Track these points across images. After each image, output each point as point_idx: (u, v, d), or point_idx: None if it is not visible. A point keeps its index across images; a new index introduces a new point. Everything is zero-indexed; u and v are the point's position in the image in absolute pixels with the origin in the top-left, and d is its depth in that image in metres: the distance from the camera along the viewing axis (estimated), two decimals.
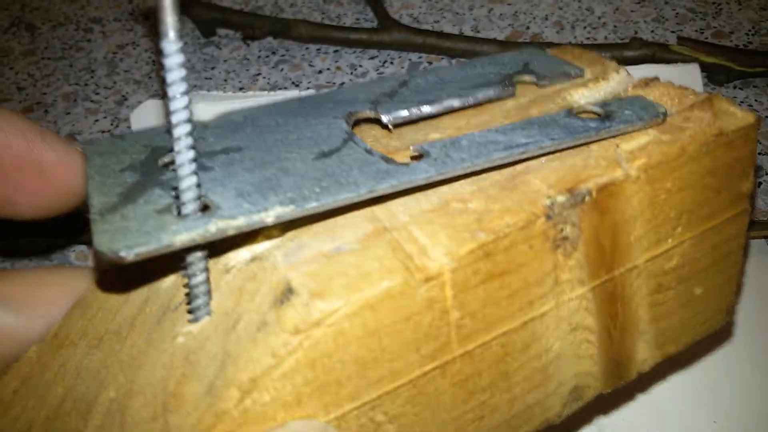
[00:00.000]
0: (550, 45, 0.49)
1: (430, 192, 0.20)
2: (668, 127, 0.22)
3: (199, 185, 0.17)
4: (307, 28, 0.52)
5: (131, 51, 0.54)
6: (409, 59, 0.52)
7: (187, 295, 0.18)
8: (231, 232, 0.16)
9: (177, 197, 0.17)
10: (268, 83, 0.51)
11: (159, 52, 0.16)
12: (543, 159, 0.21)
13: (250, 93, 0.45)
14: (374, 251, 0.18)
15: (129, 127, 0.48)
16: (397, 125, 0.22)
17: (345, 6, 0.57)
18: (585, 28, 0.54)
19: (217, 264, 0.19)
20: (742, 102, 0.48)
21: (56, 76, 0.53)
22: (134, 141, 0.21)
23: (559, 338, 0.21)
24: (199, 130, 0.21)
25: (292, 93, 0.45)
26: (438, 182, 0.20)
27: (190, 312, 0.18)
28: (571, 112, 0.22)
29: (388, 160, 0.19)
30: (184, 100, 0.16)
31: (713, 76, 0.48)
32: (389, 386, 0.19)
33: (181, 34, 0.15)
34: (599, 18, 0.54)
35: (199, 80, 0.51)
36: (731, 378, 0.34)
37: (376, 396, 0.18)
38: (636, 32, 0.53)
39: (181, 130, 0.16)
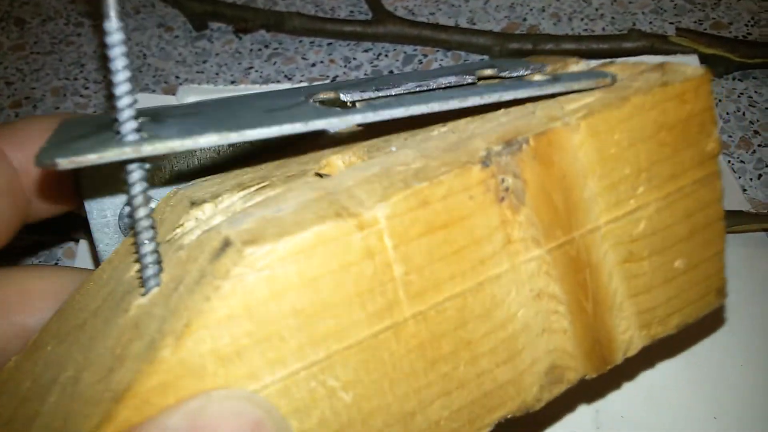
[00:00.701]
0: (547, 37, 0.49)
1: (376, 163, 0.20)
2: (616, 87, 0.22)
3: (134, 105, 0.18)
4: (300, 21, 0.51)
5: None
6: (404, 52, 0.51)
7: (138, 270, 0.19)
8: (163, 151, 0.17)
9: (118, 126, 0.18)
10: (261, 77, 0.50)
11: (102, 32, 0.17)
12: (488, 125, 0.21)
13: (242, 86, 0.44)
14: (312, 207, 0.18)
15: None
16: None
17: None
18: (582, 19, 0.53)
19: (173, 246, 0.19)
20: (741, 94, 0.47)
21: (45, 71, 0.52)
22: (108, 116, 0.22)
23: (522, 305, 0.21)
24: (167, 108, 0.22)
25: (285, 86, 0.44)
26: (379, 129, 0.21)
27: (141, 286, 0.19)
28: (519, 78, 0.23)
29: (331, 107, 0.20)
30: (128, 85, 0.18)
31: (712, 67, 0.47)
32: (337, 345, 0.18)
33: (123, 15, 0.18)
34: (597, 9, 0.53)
35: (190, 74, 0.51)
36: (727, 368, 0.34)
37: (324, 356, 0.18)
38: (634, 23, 0.52)
39: (117, 51, 0.17)
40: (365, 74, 0.50)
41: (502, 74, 0.24)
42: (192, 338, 0.16)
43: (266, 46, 0.52)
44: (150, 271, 0.18)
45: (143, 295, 0.18)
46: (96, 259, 0.25)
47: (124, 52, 0.17)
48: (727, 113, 0.46)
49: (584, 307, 0.22)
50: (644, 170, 0.22)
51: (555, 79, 0.22)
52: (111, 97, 0.18)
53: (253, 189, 0.21)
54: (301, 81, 0.49)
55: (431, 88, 0.23)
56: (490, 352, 0.20)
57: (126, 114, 0.17)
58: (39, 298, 0.23)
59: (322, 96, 0.22)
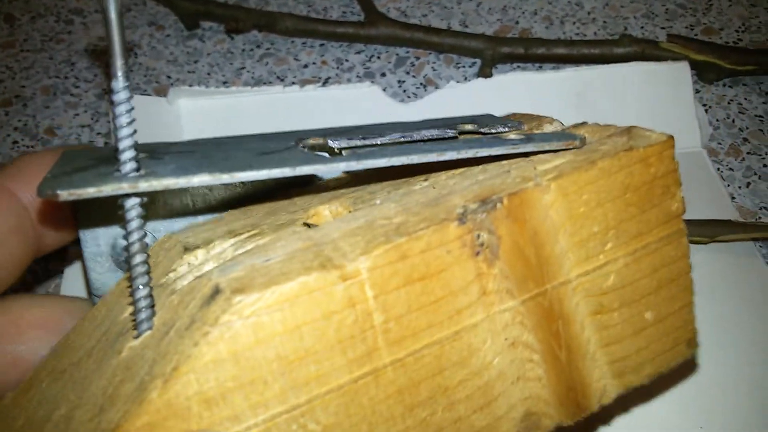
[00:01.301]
0: (539, 41, 0.49)
1: (360, 216, 0.21)
2: (585, 150, 0.23)
3: (136, 148, 0.18)
4: (292, 22, 0.51)
5: None
6: (397, 54, 0.51)
7: (132, 313, 0.19)
8: (158, 188, 0.18)
9: (118, 164, 0.19)
10: (253, 77, 0.50)
11: (109, 90, 0.19)
12: (466, 182, 0.22)
13: (234, 89, 0.44)
14: (299, 258, 0.19)
15: (109, 122, 0.48)
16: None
17: None
18: (574, 23, 0.53)
19: (166, 290, 0.20)
20: (731, 101, 0.47)
21: (35, 69, 0.52)
22: (108, 149, 0.23)
23: (498, 354, 0.21)
24: (164, 146, 0.23)
25: (277, 89, 0.44)
26: (365, 178, 0.23)
27: (134, 328, 0.19)
28: (496, 136, 0.24)
29: (318, 154, 0.21)
30: (131, 129, 0.18)
31: (703, 74, 0.48)
32: (318, 390, 0.19)
33: (130, 76, 0.19)
34: (588, 13, 0.54)
35: (182, 74, 0.50)
36: (715, 377, 0.34)
37: (306, 400, 0.19)
38: (625, 28, 0.52)
39: (122, 108, 0.18)
40: (357, 76, 0.50)
41: (482, 130, 0.26)
42: (179, 381, 0.17)
43: (258, 47, 0.52)
44: (143, 314, 0.19)
45: (136, 337, 0.19)
46: (88, 288, 0.25)
47: (128, 109, 0.18)
48: (717, 120, 0.46)
49: (558, 355, 0.23)
50: (612, 228, 0.23)
51: (528, 138, 0.23)
52: (115, 139, 0.19)
53: (243, 236, 0.21)
54: (293, 82, 0.49)
55: (414, 139, 0.24)
56: (466, 398, 0.21)
57: (126, 154, 0.18)
58: (32, 328, 0.23)
59: (312, 142, 0.23)
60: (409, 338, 0.20)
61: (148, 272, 0.19)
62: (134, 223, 0.19)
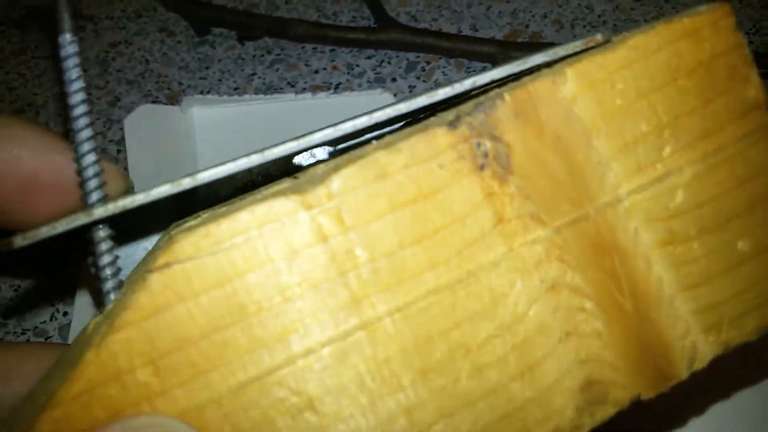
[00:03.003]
0: (550, 45, 0.49)
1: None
2: (613, 41, 0.19)
3: (99, 174, 0.17)
4: (304, 28, 0.51)
5: (123, 50, 0.53)
6: (407, 59, 0.51)
7: (99, 290, 0.17)
8: (115, 211, 0.16)
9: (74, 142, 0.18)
10: (264, 83, 0.50)
11: (56, 46, 0.18)
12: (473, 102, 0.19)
13: (247, 96, 0.44)
14: (267, 196, 0.16)
15: (122, 129, 0.48)
16: None
17: (341, 3, 0.56)
18: (585, 26, 0.53)
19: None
20: None
21: (47, 76, 0.52)
22: None
23: (534, 301, 0.17)
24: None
25: (289, 96, 0.44)
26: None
27: (102, 304, 0.17)
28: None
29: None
30: (80, 83, 0.18)
31: None
32: (296, 349, 0.15)
33: (78, 33, 0.19)
34: (599, 16, 0.54)
35: (193, 80, 0.51)
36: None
37: (282, 362, 0.15)
38: None
39: (79, 111, 0.18)
40: (368, 81, 0.50)
41: None
42: (116, 339, 0.14)
43: (269, 53, 0.52)
44: (109, 284, 0.17)
45: (101, 312, 0.16)
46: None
47: (77, 63, 0.18)
48: None
49: (620, 303, 0.17)
50: (667, 126, 0.18)
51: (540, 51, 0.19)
52: (68, 109, 0.18)
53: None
54: (304, 88, 0.49)
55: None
56: (498, 361, 0.17)
57: (91, 183, 0.17)
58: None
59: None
60: (408, 281, 0.16)
61: (112, 262, 0.17)
62: (105, 258, 0.17)
